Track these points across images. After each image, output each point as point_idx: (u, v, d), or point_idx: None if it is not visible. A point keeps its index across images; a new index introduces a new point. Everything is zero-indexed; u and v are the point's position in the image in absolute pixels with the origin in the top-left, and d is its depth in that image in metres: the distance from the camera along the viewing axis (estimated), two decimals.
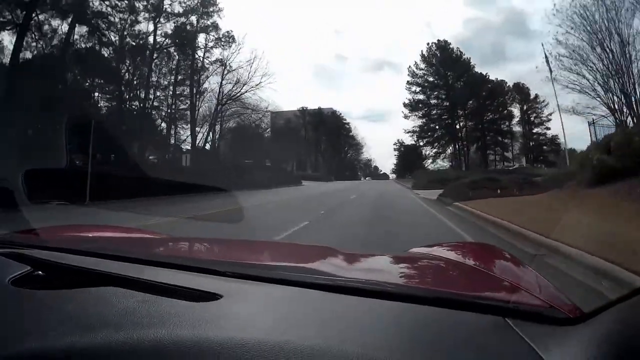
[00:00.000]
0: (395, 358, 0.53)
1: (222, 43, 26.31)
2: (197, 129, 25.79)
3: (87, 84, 20.55)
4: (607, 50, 20.60)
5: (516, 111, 40.58)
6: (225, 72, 26.47)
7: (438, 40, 41.62)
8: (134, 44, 22.58)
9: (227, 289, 0.73)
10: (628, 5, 19.56)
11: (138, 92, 23.29)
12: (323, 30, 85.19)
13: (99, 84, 21.17)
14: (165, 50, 24.36)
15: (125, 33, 22.01)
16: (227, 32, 26.36)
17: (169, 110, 24.96)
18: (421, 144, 44.99)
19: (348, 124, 62.19)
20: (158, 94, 24.28)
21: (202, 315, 0.64)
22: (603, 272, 3.01)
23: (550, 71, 23.35)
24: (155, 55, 23.74)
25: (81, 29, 19.18)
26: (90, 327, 0.59)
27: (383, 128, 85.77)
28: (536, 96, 39.08)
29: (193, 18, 25.26)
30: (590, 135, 17.35)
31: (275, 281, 0.80)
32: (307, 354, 0.52)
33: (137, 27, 22.43)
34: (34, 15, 16.44)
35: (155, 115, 24.37)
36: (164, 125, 25.00)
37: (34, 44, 16.90)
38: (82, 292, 0.72)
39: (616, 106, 20.30)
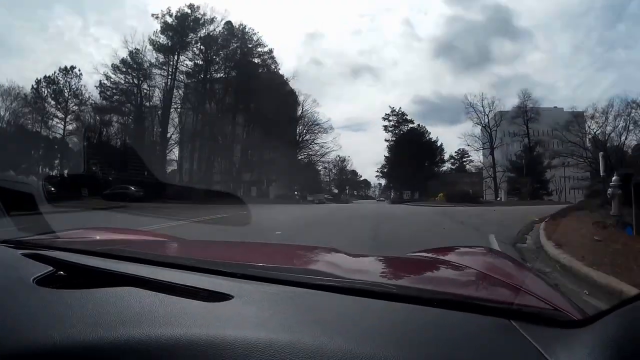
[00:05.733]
0: (402, 358, 0.54)
1: None
2: None
3: None
4: None
5: None
6: None
7: None
8: None
9: (237, 289, 0.75)
10: None
11: None
12: (297, 33, 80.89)
13: None
14: None
15: None
16: None
17: None
18: None
19: (271, 55, 33.32)
20: None
21: (214, 315, 0.67)
22: None
23: None
24: None
25: None
26: (109, 325, 0.60)
27: (364, 138, 79.87)
28: None
29: None
30: None
31: (284, 282, 0.82)
32: (315, 353, 0.53)
33: None
34: None
35: None
36: None
37: None
38: (101, 292, 0.75)
39: None
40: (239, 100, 33.19)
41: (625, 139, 35.65)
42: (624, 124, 34.99)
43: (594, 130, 35.83)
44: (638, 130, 35.01)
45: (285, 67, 65.79)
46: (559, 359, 0.53)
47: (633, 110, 34.41)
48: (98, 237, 1.54)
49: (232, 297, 0.71)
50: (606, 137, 35.27)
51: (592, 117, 35.95)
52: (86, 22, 54.26)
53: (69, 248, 1.08)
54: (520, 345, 0.56)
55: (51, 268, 0.84)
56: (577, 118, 36.66)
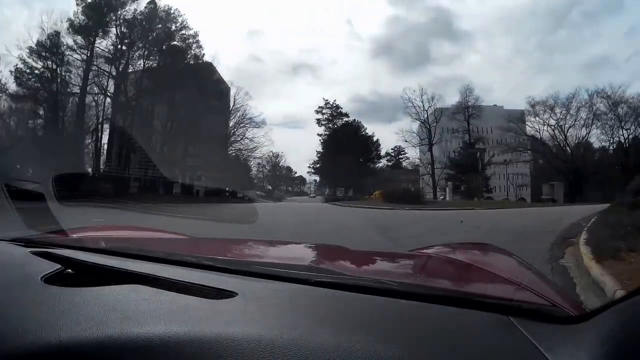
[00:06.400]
0: (403, 354, 0.54)
1: None
2: None
3: None
4: None
5: None
6: None
7: None
8: None
9: (241, 286, 0.76)
10: None
11: None
12: (236, 30, 75.37)
13: None
14: None
15: None
16: None
17: None
18: None
19: (197, 39, 30.53)
20: None
21: (218, 312, 0.68)
22: None
23: None
24: None
25: None
26: (115, 323, 0.61)
27: (301, 136, 75.29)
28: None
29: None
30: None
31: (287, 279, 0.83)
32: (318, 350, 0.54)
33: None
34: None
35: None
36: None
37: None
38: (108, 289, 0.75)
39: None
40: (162, 86, 30.17)
41: (588, 132, 34.02)
42: (587, 116, 33.25)
43: (556, 122, 34.09)
44: (600, 124, 33.25)
45: (225, 63, 64.76)
46: (556, 354, 0.54)
47: (599, 100, 32.48)
48: (106, 235, 1.53)
49: (237, 294, 0.71)
50: (566, 131, 33.95)
51: (552, 109, 34.07)
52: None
53: (77, 246, 1.07)
54: (518, 341, 0.58)
55: (59, 266, 0.84)
56: (535, 108, 34.88)
